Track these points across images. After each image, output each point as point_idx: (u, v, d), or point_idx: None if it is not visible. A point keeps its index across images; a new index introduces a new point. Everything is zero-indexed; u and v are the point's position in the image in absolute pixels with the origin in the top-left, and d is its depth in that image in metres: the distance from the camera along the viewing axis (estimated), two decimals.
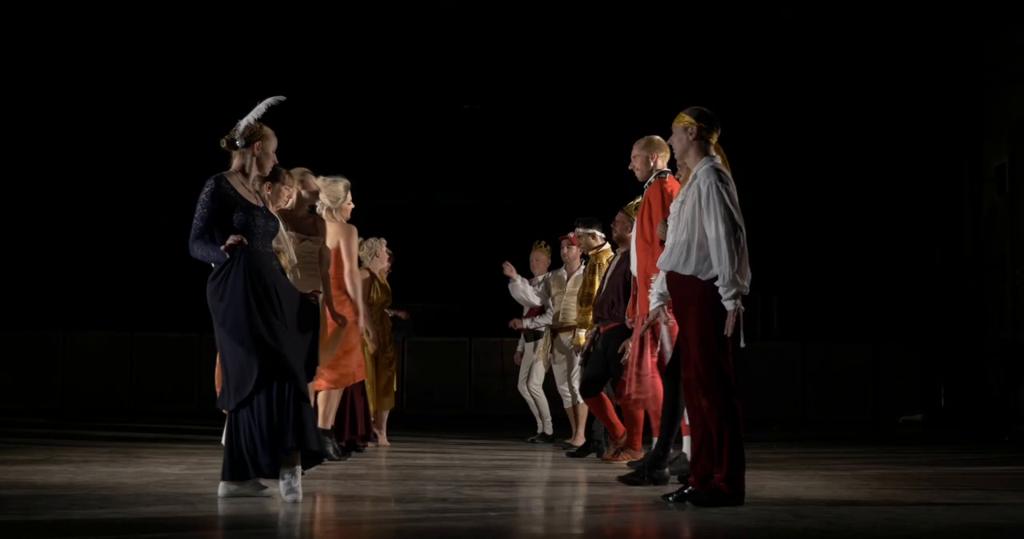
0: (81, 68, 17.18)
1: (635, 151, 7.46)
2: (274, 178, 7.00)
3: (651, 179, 7.34)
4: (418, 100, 17.83)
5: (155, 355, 15.98)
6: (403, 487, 6.60)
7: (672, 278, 5.85)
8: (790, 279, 17.96)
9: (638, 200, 8.54)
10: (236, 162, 6.08)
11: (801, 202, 17.69)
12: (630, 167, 7.48)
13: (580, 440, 9.72)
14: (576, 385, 9.56)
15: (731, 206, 5.70)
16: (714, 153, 5.91)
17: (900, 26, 16.72)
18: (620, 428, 8.45)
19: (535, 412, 10.71)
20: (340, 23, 17.04)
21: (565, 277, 10.11)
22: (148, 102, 17.43)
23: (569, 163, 16.83)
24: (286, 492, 5.66)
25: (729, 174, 5.84)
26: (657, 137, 7.41)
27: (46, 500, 5.61)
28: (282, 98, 6.12)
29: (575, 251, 9.93)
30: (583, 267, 9.72)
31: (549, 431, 10.65)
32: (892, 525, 5.09)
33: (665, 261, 5.88)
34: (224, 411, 5.96)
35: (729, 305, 5.62)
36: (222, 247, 5.73)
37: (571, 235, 9.81)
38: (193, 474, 6.97)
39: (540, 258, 10.69)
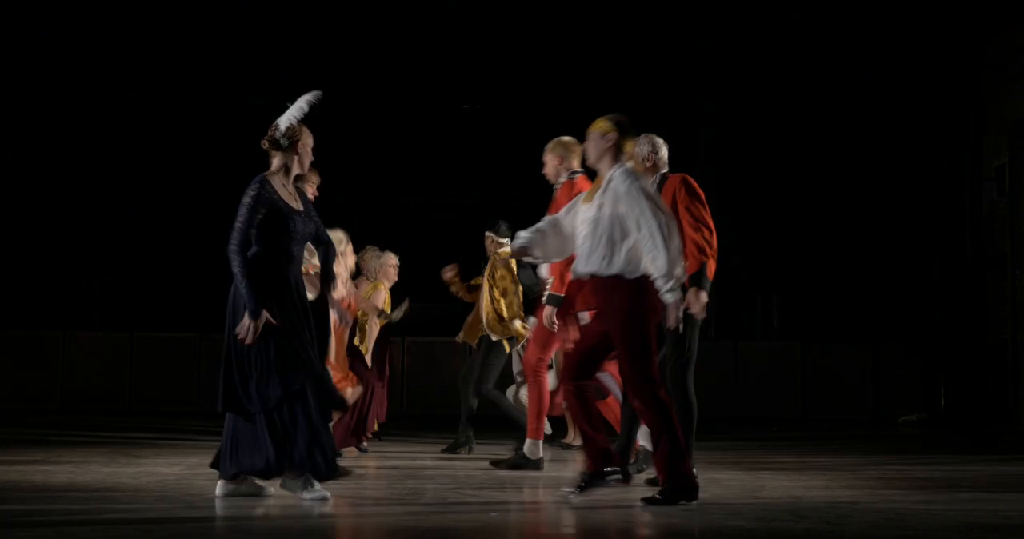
0: (81, 69, 17.18)
1: (547, 152, 7.58)
2: (299, 177, 6.95)
3: (562, 179, 7.43)
4: (418, 100, 17.84)
5: (155, 355, 15.97)
6: (403, 487, 6.59)
7: (594, 282, 5.89)
8: (790, 279, 17.97)
9: None
10: (277, 162, 6.00)
11: (801, 202, 17.70)
12: (543, 171, 7.61)
13: (579, 441, 9.70)
14: None
15: (656, 200, 5.81)
16: (626, 160, 6.04)
17: (900, 26, 16.72)
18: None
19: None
20: (340, 23, 17.04)
21: None
22: (148, 103, 17.44)
23: None
24: (309, 495, 5.71)
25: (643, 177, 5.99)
26: (568, 138, 7.53)
27: (46, 500, 5.60)
28: (320, 94, 6.08)
29: None
30: None
31: (548, 431, 10.62)
32: (892, 525, 5.09)
33: (584, 265, 5.93)
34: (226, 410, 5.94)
35: (669, 297, 5.70)
36: (254, 316, 5.63)
37: None
38: (193, 474, 6.97)
39: None
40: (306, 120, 6.06)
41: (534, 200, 16.82)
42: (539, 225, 6.26)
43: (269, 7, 16.84)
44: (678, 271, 5.70)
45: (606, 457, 5.90)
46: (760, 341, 17.40)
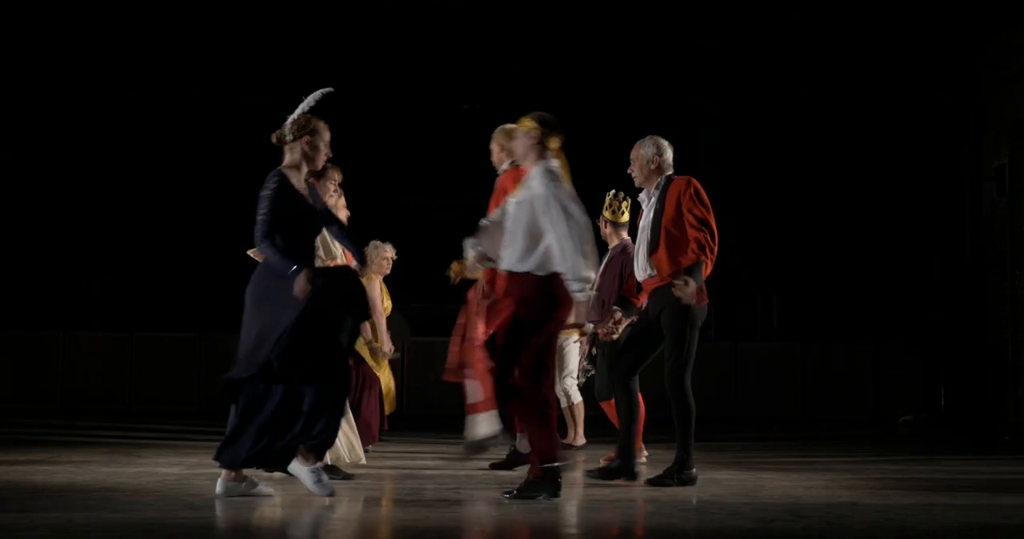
0: (81, 69, 17.18)
1: (492, 140, 7.64)
2: (319, 173, 6.90)
3: (505, 166, 7.45)
4: (418, 100, 17.84)
5: (155, 355, 15.98)
6: (403, 487, 6.59)
7: (509, 276, 6.02)
8: (790, 279, 17.97)
9: (608, 202, 8.64)
10: (288, 157, 6.04)
11: (801, 202, 17.70)
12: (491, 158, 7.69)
13: (580, 441, 9.72)
14: (570, 385, 9.55)
15: (565, 204, 5.91)
16: (552, 158, 6.10)
17: (900, 26, 16.73)
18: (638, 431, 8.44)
19: None
20: (340, 23, 17.04)
21: None
22: (148, 103, 17.44)
23: (569, 163, 16.82)
24: (318, 489, 5.78)
25: (563, 177, 6.05)
26: (512, 126, 7.53)
27: (46, 500, 5.60)
28: (330, 90, 6.10)
29: None
30: None
31: None
32: (892, 525, 5.09)
33: (503, 259, 6.08)
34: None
35: (581, 296, 5.83)
36: (296, 292, 5.68)
37: None
38: (193, 474, 6.97)
39: None
40: (320, 116, 6.11)
41: None
42: (482, 229, 6.34)
43: (269, 7, 16.85)
44: (586, 273, 5.84)
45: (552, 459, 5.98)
46: (760, 341, 17.41)
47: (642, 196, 7.05)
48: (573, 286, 5.83)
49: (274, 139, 6.06)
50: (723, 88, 17.71)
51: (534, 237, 5.92)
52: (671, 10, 17.05)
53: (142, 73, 17.22)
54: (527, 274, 5.93)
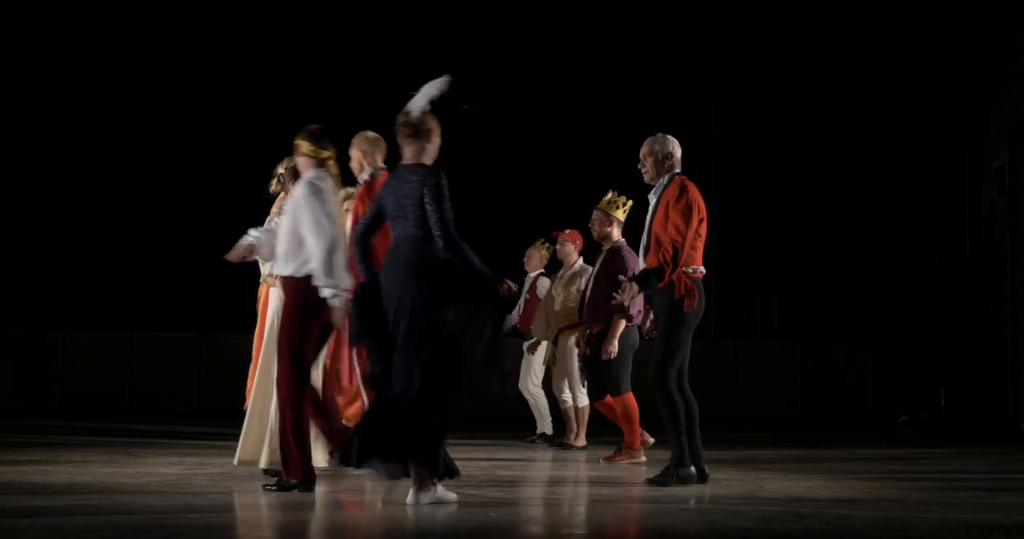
0: (81, 69, 17.18)
1: (352, 147, 7.74)
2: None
3: (364, 175, 7.47)
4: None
5: (155, 355, 15.97)
6: (403, 487, 6.59)
7: (282, 280, 6.34)
8: (790, 279, 17.96)
9: (609, 196, 8.67)
10: (412, 151, 6.01)
11: (801, 202, 17.70)
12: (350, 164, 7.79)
13: (580, 442, 9.72)
14: (575, 387, 9.57)
15: (320, 214, 6.10)
16: (323, 167, 6.34)
17: (900, 26, 16.73)
18: (635, 431, 8.46)
19: (535, 412, 10.69)
20: (340, 23, 17.04)
21: (561, 275, 10.08)
22: (148, 103, 17.43)
23: (569, 164, 16.83)
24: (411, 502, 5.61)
25: (328, 189, 6.25)
26: (372, 133, 7.69)
27: (46, 500, 5.60)
28: (449, 78, 6.25)
29: (569, 248, 9.95)
30: (577, 264, 9.83)
31: (549, 431, 10.62)
32: (892, 525, 5.09)
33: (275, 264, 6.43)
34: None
35: (335, 302, 6.02)
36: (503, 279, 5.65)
37: (566, 232, 9.92)
38: (193, 474, 6.97)
39: (533, 255, 10.72)
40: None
41: (534, 201, 16.89)
42: (270, 226, 6.70)
43: (269, 7, 16.84)
44: (336, 279, 6.01)
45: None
46: (760, 341, 17.40)
47: (651, 194, 7.09)
48: (324, 291, 6.02)
49: (406, 132, 6.02)
50: (723, 88, 17.70)
51: (296, 241, 6.14)
52: (671, 10, 17.04)
53: (142, 73, 17.21)
54: (290, 277, 6.16)
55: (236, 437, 7.34)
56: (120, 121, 17.51)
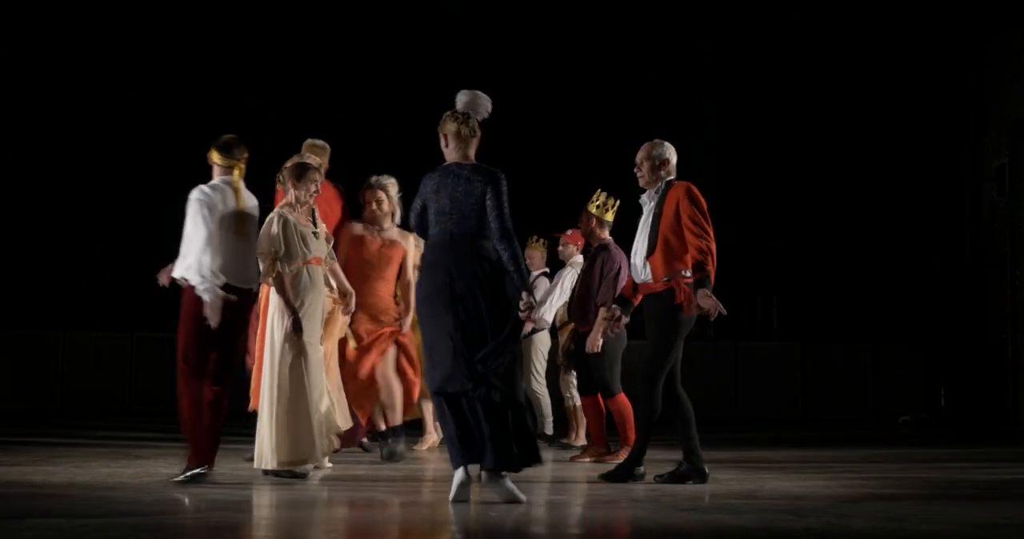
0: (81, 69, 17.18)
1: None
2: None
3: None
4: (418, 100, 17.81)
5: (155, 355, 15.95)
6: (403, 487, 6.59)
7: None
8: (790, 279, 17.96)
9: (599, 199, 8.66)
10: (464, 151, 6.37)
11: (801, 203, 17.70)
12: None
13: (580, 441, 9.72)
14: (574, 385, 9.59)
15: (196, 216, 6.72)
16: (223, 174, 6.80)
17: (900, 26, 16.73)
18: (599, 437, 8.58)
19: (536, 412, 10.68)
20: (340, 23, 17.04)
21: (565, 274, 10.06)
22: (148, 103, 17.43)
23: (569, 164, 16.83)
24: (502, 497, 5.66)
25: (220, 192, 6.71)
26: (319, 141, 8.21)
27: (46, 500, 5.60)
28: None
29: (571, 249, 9.94)
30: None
31: (549, 431, 10.60)
32: (892, 525, 5.09)
33: None
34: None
35: (206, 295, 6.57)
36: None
37: (567, 233, 9.89)
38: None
39: (534, 254, 10.69)
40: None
41: (534, 201, 16.87)
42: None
43: (269, 7, 16.84)
44: (205, 271, 6.56)
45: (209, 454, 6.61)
46: (760, 341, 17.40)
47: (643, 198, 7.07)
48: (194, 281, 6.56)
49: (476, 132, 6.40)
50: (723, 88, 17.70)
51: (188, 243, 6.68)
52: (671, 10, 17.04)
53: (142, 73, 17.20)
54: (181, 278, 6.66)
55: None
56: (120, 121, 17.50)
